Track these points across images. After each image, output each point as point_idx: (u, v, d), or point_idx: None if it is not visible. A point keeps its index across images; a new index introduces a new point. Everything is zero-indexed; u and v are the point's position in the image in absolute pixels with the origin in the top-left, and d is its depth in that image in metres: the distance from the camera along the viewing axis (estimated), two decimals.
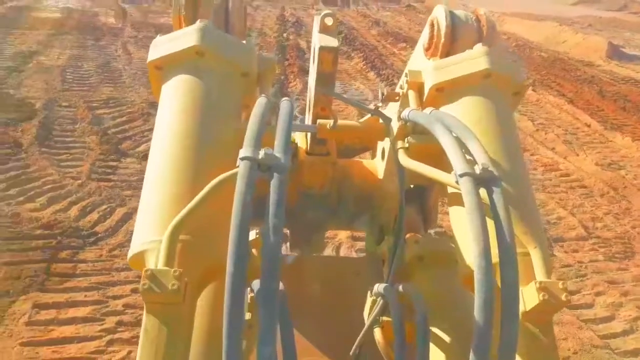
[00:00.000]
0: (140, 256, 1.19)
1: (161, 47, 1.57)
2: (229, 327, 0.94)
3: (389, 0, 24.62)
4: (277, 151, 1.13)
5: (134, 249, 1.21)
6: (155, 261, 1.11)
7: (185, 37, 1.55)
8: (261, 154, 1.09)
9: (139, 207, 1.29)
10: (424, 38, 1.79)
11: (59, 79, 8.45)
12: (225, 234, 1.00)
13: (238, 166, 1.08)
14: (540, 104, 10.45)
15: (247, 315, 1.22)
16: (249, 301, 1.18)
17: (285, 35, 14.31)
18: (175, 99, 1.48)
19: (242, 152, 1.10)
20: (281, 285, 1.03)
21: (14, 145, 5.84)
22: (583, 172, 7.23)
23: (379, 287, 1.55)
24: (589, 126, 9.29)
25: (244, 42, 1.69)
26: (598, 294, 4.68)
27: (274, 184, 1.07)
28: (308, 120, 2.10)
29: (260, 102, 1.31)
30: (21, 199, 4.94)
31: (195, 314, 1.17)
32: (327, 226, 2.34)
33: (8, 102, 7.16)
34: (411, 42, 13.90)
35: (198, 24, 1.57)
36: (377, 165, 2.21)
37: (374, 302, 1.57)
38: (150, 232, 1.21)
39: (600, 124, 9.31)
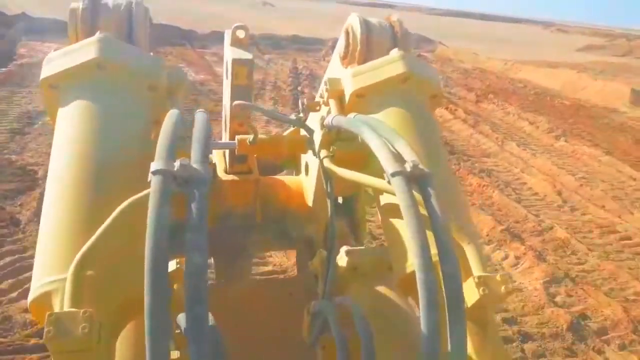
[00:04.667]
0: (43, 299, 1.05)
1: (56, 62, 1.44)
2: None
3: None
4: (195, 162, 1.03)
5: (34, 292, 1.07)
6: (61, 303, 1.00)
7: (84, 50, 1.43)
8: (176, 165, 0.99)
9: (37, 246, 1.17)
10: (340, 47, 1.80)
11: None
12: (140, 264, 0.89)
13: (149, 182, 0.96)
14: (577, 156, 9.80)
15: (175, 354, 1.06)
16: (175, 338, 1.00)
17: (299, 88, 13.95)
18: (73, 119, 1.35)
19: (154, 165, 0.98)
20: (211, 317, 0.92)
21: (10, 223, 5.17)
22: None
23: (316, 305, 1.51)
24: (634, 179, 8.60)
25: (151, 54, 1.59)
26: None
27: (194, 197, 0.96)
28: (225, 138, 2.00)
29: (171, 113, 1.22)
30: (14, 294, 4.16)
31: (114, 358, 1.06)
32: (252, 249, 2.23)
33: (8, 170, 6.57)
34: None
35: (97, 35, 1.46)
36: (302, 181, 2.17)
37: (312, 321, 1.53)
38: (51, 270, 1.08)
39: None
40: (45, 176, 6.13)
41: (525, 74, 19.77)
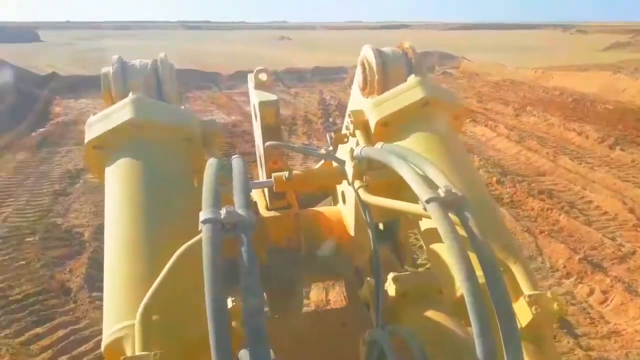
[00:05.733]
0: (115, 345, 1.14)
1: (96, 126, 1.56)
2: None
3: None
4: (239, 207, 1.09)
5: (106, 338, 1.16)
6: (132, 347, 1.08)
7: (119, 112, 1.54)
8: (223, 213, 1.05)
9: (104, 296, 1.25)
10: (358, 79, 1.88)
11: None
12: (199, 307, 0.96)
13: (200, 231, 1.03)
14: (639, 166, 9.16)
15: None
16: None
17: (331, 119, 13.75)
18: (119, 177, 1.45)
19: (203, 215, 1.05)
20: (271, 353, 0.94)
21: (61, 292, 4.98)
22: None
23: (371, 334, 1.48)
24: None
25: (182, 107, 1.71)
26: None
27: (242, 241, 1.02)
28: (262, 176, 2.09)
29: (211, 163, 1.28)
30: None
31: None
32: (302, 281, 2.26)
33: (55, 234, 6.46)
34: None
35: (130, 96, 1.57)
36: (340, 210, 2.20)
37: (368, 351, 1.49)
38: (120, 318, 1.17)
39: None
40: (91, 238, 5.98)
41: (558, 81, 19.18)
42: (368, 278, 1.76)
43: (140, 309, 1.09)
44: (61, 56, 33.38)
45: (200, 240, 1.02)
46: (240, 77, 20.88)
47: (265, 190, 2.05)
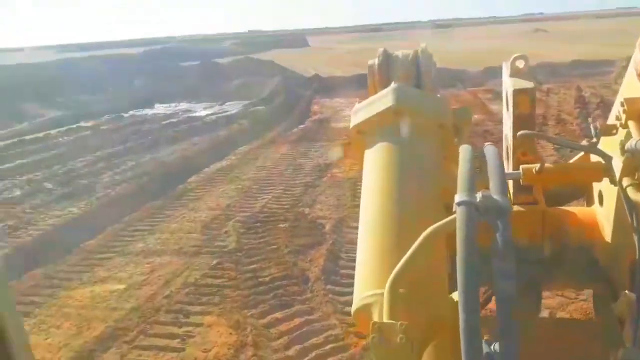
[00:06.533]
0: (364, 310, 1.22)
1: (360, 112, 1.72)
2: None
3: None
4: (494, 192, 1.11)
5: (357, 303, 1.25)
6: (379, 314, 1.15)
7: (382, 100, 1.68)
8: (478, 197, 1.08)
9: (356, 265, 1.37)
10: (636, 62, 1.71)
11: (349, 194, 8.32)
12: (443, 286, 1.14)
13: (454, 212, 1.08)
14: None
15: None
16: None
17: (590, 119, 12.06)
18: (377, 159, 1.58)
19: (458, 197, 1.09)
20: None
21: (301, 280, 5.49)
22: None
23: (625, 353, 1.38)
24: None
25: (437, 95, 1.82)
26: None
27: (497, 226, 1.04)
28: (508, 168, 2.03)
29: (465, 148, 1.32)
30: None
31: None
32: (541, 285, 2.07)
33: (302, 224, 7.17)
34: None
35: (392, 85, 1.69)
36: (595, 212, 2.04)
37: None
38: (370, 285, 1.25)
39: None
40: (331, 230, 6.41)
41: None
42: (626, 292, 1.64)
43: (389, 281, 1.16)
44: (324, 59, 37.05)
45: (450, 222, 1.09)
46: (486, 74, 20.01)
47: (510, 182, 1.99)
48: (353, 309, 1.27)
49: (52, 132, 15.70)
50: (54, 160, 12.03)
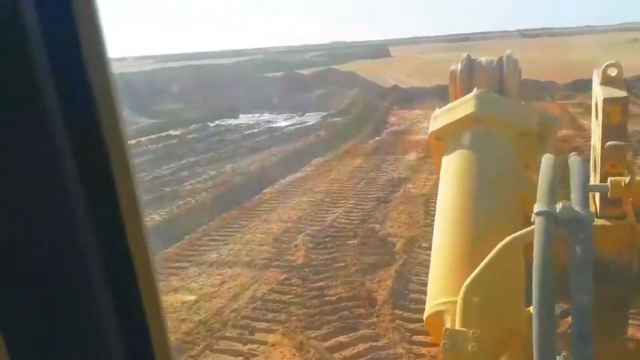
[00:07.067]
0: (436, 317, 1.23)
1: (440, 118, 1.75)
2: None
3: None
4: (576, 204, 1.07)
5: (429, 310, 1.27)
6: (452, 322, 1.15)
7: (463, 106, 1.69)
8: (558, 208, 1.05)
9: (430, 271, 1.37)
10: None
11: (422, 211, 8.07)
12: (518, 297, 1.09)
13: (533, 222, 1.02)
14: None
15: None
16: None
17: None
18: (455, 167, 1.56)
19: (537, 207, 1.07)
20: None
21: (367, 303, 5.34)
22: None
23: None
24: None
25: (522, 102, 1.79)
26: None
27: (577, 238, 0.98)
28: (595, 180, 1.93)
29: (547, 158, 1.28)
30: None
31: None
32: (628, 304, 2.00)
33: (371, 241, 7.04)
34: None
35: (475, 91, 1.71)
36: None
37: None
38: (443, 293, 1.25)
39: None
40: (401, 250, 6.23)
41: None
42: None
43: (463, 289, 1.16)
44: (404, 69, 36.64)
45: (528, 233, 1.07)
46: (577, 85, 18.74)
47: (597, 195, 1.92)
48: (425, 315, 1.29)
49: (143, 139, 16.67)
50: (141, 167, 12.73)
